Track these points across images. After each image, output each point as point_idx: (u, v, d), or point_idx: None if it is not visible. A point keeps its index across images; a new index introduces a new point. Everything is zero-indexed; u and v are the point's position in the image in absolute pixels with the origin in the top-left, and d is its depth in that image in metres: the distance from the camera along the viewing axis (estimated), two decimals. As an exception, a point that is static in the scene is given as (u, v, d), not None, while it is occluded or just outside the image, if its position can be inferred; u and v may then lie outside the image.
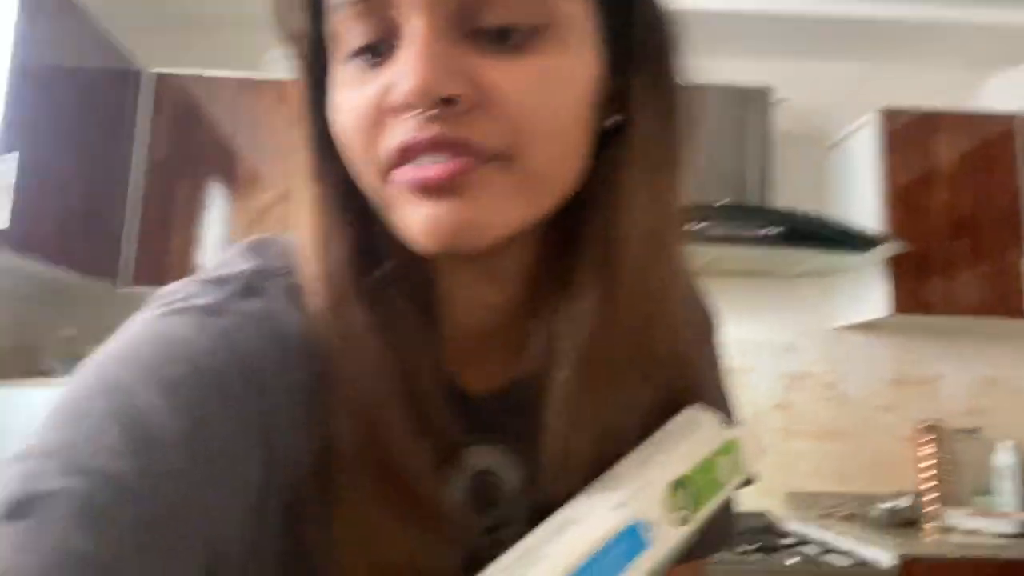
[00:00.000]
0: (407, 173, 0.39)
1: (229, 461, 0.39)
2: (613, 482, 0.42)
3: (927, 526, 2.20)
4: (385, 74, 0.39)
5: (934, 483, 2.28)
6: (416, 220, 0.40)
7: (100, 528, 0.34)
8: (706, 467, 0.45)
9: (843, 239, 2.25)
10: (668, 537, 0.40)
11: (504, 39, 0.39)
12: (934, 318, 2.45)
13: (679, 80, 0.46)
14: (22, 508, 0.34)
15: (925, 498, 2.27)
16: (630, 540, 0.38)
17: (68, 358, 2.21)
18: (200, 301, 0.45)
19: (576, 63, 0.41)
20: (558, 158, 0.41)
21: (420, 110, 0.38)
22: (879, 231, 2.42)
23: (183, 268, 2.29)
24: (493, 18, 0.38)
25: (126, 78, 2.30)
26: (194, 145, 2.36)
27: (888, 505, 2.33)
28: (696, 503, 0.43)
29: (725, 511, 0.54)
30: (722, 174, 2.43)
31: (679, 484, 0.42)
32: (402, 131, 0.39)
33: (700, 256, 2.41)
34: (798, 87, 2.85)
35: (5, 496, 0.35)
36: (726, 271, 2.69)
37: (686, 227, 0.48)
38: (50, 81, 1.89)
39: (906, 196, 2.47)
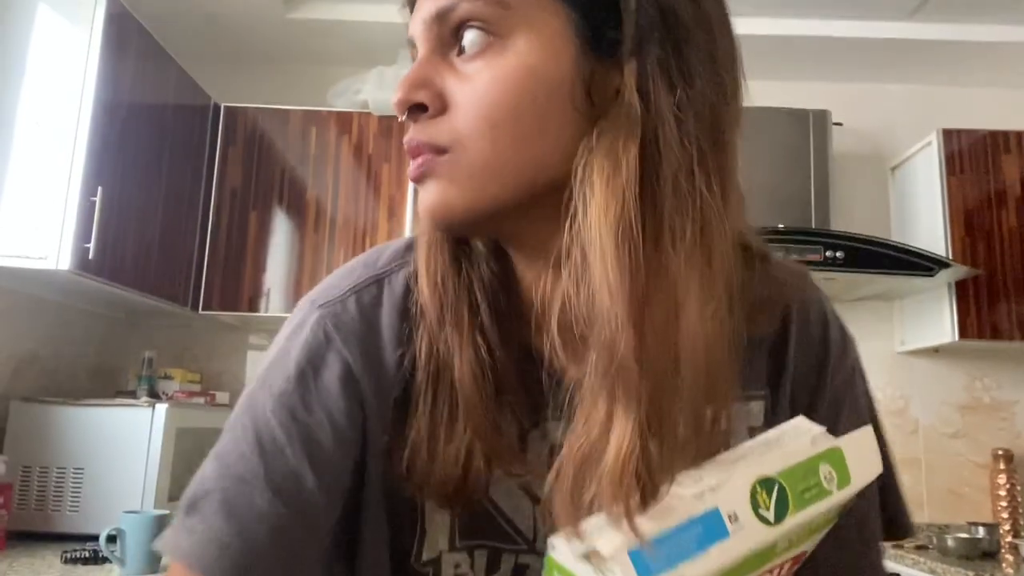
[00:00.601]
0: (410, 157, 0.49)
1: (333, 455, 0.50)
2: (701, 471, 0.43)
3: (1006, 557, 2.11)
4: None
5: (1010, 512, 2.20)
6: (419, 201, 0.50)
7: (236, 520, 0.46)
8: (800, 471, 0.44)
9: (906, 262, 2.21)
10: (750, 532, 0.41)
11: (466, 51, 0.47)
12: (1005, 343, 2.38)
13: (688, 65, 0.47)
14: (193, 505, 0.48)
15: (1003, 528, 2.18)
16: (711, 524, 0.40)
17: (147, 378, 2.32)
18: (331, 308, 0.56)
19: (527, 64, 0.46)
20: (499, 149, 0.46)
21: (405, 116, 0.48)
22: (943, 254, 2.37)
23: (254, 293, 2.39)
24: (464, 18, 0.46)
25: (200, 112, 2.42)
26: (264, 176, 2.47)
27: (964, 535, 2.25)
28: (788, 505, 0.42)
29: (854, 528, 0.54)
30: (783, 198, 2.42)
31: (765, 483, 0.42)
32: (406, 138, 0.49)
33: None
34: (858, 109, 2.82)
35: (187, 494, 0.49)
36: (786, 295, 2.66)
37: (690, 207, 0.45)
38: (130, 116, 2.01)
39: (971, 218, 2.41)
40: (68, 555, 1.62)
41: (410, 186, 2.45)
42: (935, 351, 2.63)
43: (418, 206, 0.49)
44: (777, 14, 2.54)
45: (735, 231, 0.48)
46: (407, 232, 2.41)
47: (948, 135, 2.47)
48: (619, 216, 0.43)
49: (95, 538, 1.58)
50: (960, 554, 2.18)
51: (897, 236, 2.66)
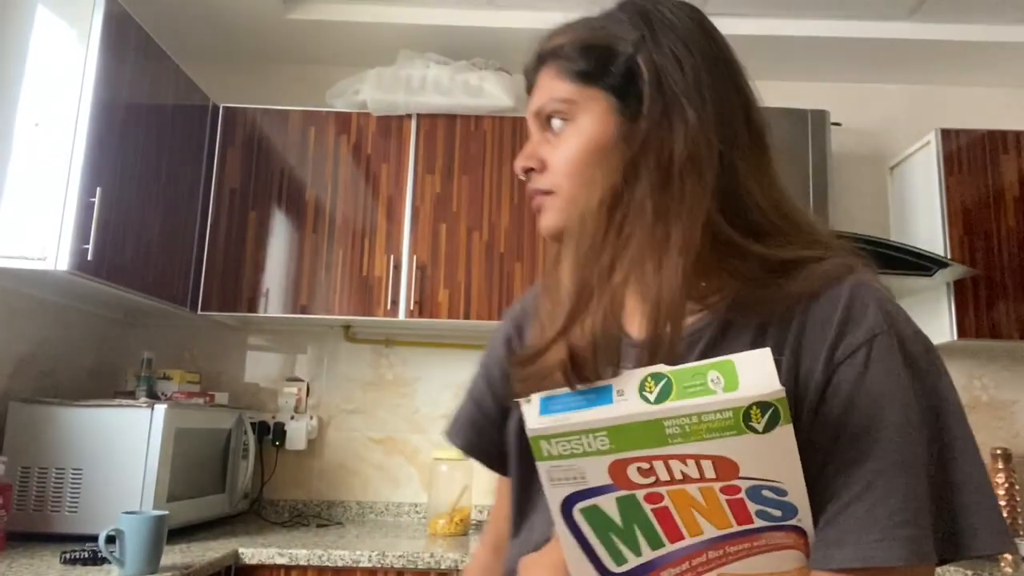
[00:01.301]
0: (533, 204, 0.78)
1: (495, 374, 0.87)
2: (632, 372, 0.60)
3: (1005, 556, 2.11)
4: None
5: (1009, 511, 2.20)
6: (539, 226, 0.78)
7: (456, 412, 0.91)
8: (689, 372, 0.56)
9: (905, 262, 2.21)
10: (630, 405, 0.57)
11: (552, 135, 0.76)
12: (1003, 342, 2.38)
13: (676, 124, 0.67)
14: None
15: (999, 528, 2.19)
16: (603, 394, 0.59)
17: (146, 379, 2.32)
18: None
19: (587, 135, 0.72)
20: (575, 191, 0.72)
21: (523, 176, 0.78)
22: (942, 254, 2.37)
23: (253, 294, 2.39)
24: (550, 112, 0.75)
25: (199, 112, 2.42)
26: (263, 176, 2.47)
27: (960, 535, 2.25)
28: (671, 394, 0.56)
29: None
30: (779, 197, 2.42)
31: (656, 376, 0.57)
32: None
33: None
34: (857, 109, 2.83)
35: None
36: (785, 294, 2.66)
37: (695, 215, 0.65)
38: (129, 117, 2.01)
39: (969, 218, 2.42)
40: (67, 556, 1.62)
41: (408, 186, 2.45)
42: (934, 351, 2.63)
43: (539, 227, 0.78)
44: (776, 14, 2.54)
45: (712, 226, 0.66)
46: (406, 232, 2.42)
47: (947, 135, 2.47)
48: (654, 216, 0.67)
49: (94, 538, 1.58)
50: (959, 553, 2.19)
51: (896, 236, 2.67)
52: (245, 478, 2.37)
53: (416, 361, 2.72)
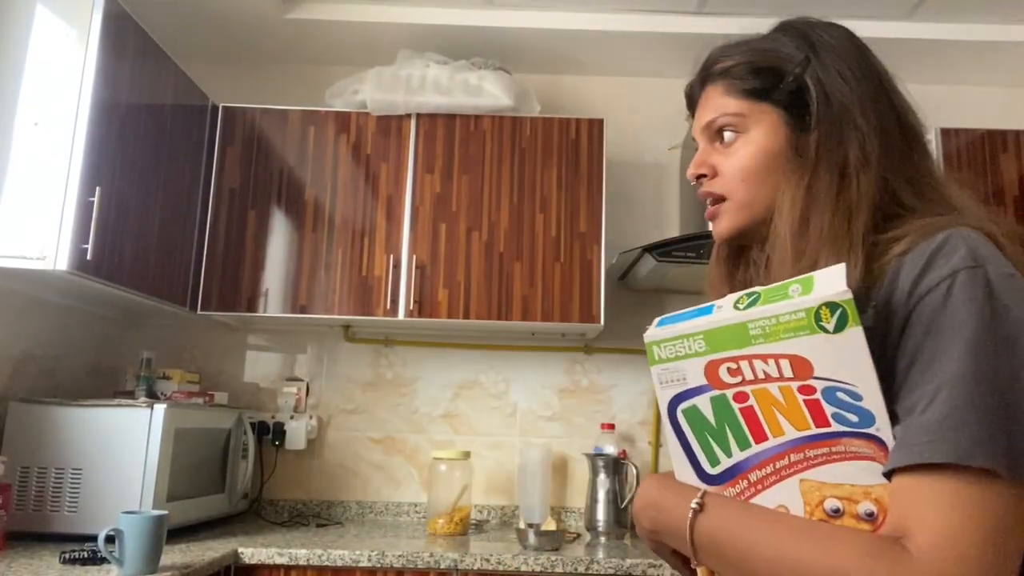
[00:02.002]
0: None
1: None
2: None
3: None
4: None
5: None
6: (714, 231, 0.88)
7: None
8: (776, 289, 0.67)
9: (906, 260, 2.21)
10: (725, 314, 0.69)
11: (723, 147, 0.85)
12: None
13: (854, 111, 0.79)
14: None
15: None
16: (706, 309, 0.71)
17: (146, 378, 2.32)
18: None
19: (758, 141, 0.82)
20: (750, 195, 0.83)
21: (694, 182, 0.88)
22: (943, 252, 2.37)
23: (252, 293, 2.39)
24: (721, 125, 0.85)
25: (199, 112, 2.42)
26: (262, 175, 2.47)
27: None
28: (757, 303, 0.67)
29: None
30: (779, 196, 2.42)
31: (750, 294, 0.69)
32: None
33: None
34: (856, 108, 2.83)
35: None
36: (784, 294, 2.66)
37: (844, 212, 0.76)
38: (128, 116, 2.01)
39: (971, 216, 2.41)
40: (67, 555, 1.62)
41: (408, 185, 2.45)
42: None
43: (713, 230, 0.87)
44: (776, 14, 2.53)
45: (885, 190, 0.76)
46: (406, 231, 2.42)
47: (946, 134, 2.47)
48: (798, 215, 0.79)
49: (93, 538, 1.58)
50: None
51: (895, 235, 2.67)
52: (245, 478, 2.37)
53: (416, 361, 2.72)
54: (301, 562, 1.92)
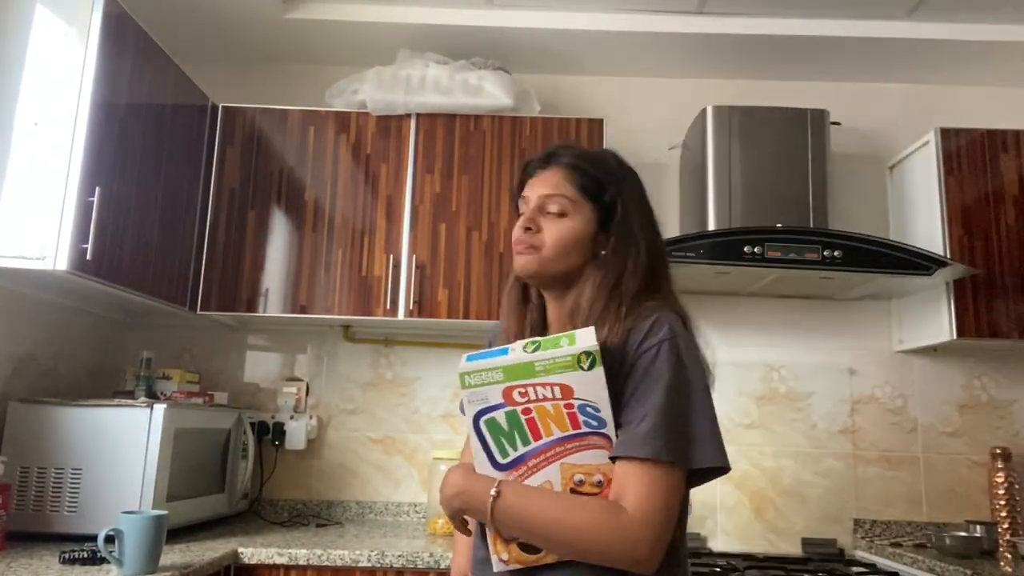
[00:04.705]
0: (516, 248, 1.18)
1: None
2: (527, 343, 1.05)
3: (1005, 556, 2.11)
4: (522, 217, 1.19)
5: (1008, 511, 2.20)
6: (515, 264, 1.19)
7: None
8: (552, 340, 1.03)
9: (904, 262, 2.21)
10: (517, 355, 1.02)
11: (551, 214, 1.16)
12: (1003, 342, 2.38)
13: (637, 235, 1.15)
14: None
15: (1001, 527, 2.18)
16: (503, 351, 1.04)
17: (145, 378, 2.31)
18: None
19: (576, 226, 1.15)
20: (555, 258, 1.15)
21: (520, 228, 1.18)
22: (941, 253, 2.37)
23: (252, 293, 2.39)
24: (549, 208, 1.16)
25: (198, 112, 2.42)
26: (262, 176, 2.47)
27: (962, 534, 2.25)
28: (539, 349, 1.01)
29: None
30: (781, 197, 2.42)
31: (533, 342, 1.03)
32: (517, 235, 1.18)
33: (759, 279, 2.40)
34: (857, 109, 2.83)
35: None
36: (784, 294, 2.66)
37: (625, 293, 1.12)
38: (128, 116, 2.00)
39: (969, 217, 2.42)
40: (66, 555, 1.62)
41: (408, 185, 2.45)
42: (933, 350, 2.63)
43: (516, 265, 1.18)
44: (776, 14, 2.54)
45: (636, 286, 1.13)
46: (405, 231, 2.42)
47: (946, 134, 2.47)
48: (601, 288, 1.14)
49: (93, 538, 1.58)
50: (958, 552, 2.19)
51: (895, 235, 2.67)
52: (244, 478, 2.37)
53: (415, 361, 2.72)
54: (301, 562, 1.91)
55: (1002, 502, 2.22)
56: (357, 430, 2.67)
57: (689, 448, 1.00)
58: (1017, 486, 2.25)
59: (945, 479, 2.60)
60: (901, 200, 2.70)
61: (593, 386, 0.99)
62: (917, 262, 2.21)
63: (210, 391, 2.47)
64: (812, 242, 2.20)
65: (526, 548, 1.04)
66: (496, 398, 1.02)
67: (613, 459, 1.01)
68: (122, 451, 1.88)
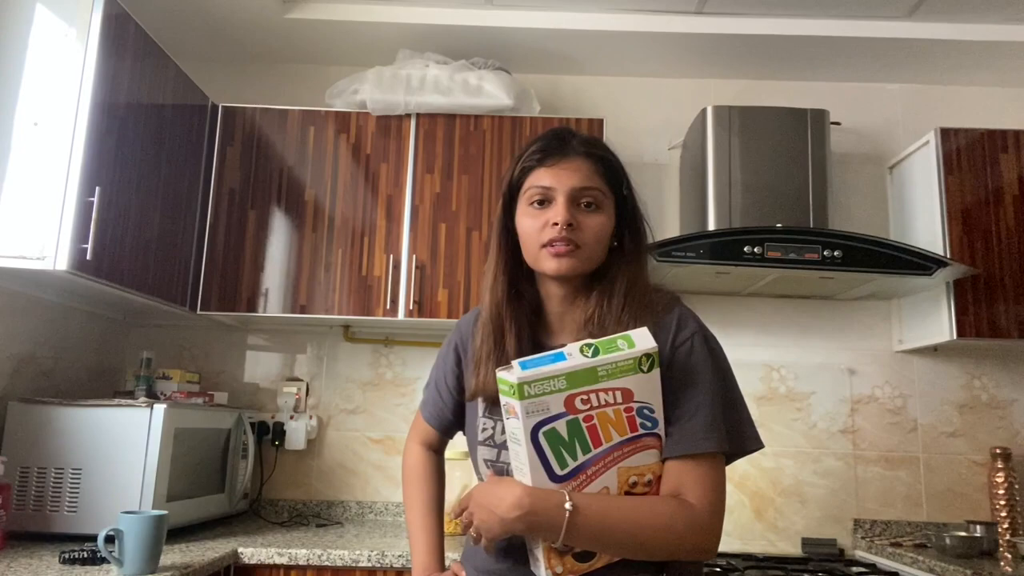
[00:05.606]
0: (552, 248, 1.10)
1: (450, 377, 1.34)
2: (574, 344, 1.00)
3: (1005, 555, 2.11)
4: (546, 214, 1.12)
5: (1008, 511, 2.20)
6: (552, 265, 1.11)
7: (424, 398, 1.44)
8: (608, 341, 0.99)
9: (904, 261, 2.21)
10: (576, 360, 0.97)
11: (585, 207, 1.11)
12: (1003, 342, 2.38)
13: (642, 226, 1.16)
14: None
15: (1001, 527, 2.18)
16: (559, 355, 0.98)
17: (145, 378, 2.32)
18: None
19: (607, 220, 1.12)
20: (595, 251, 1.12)
21: (561, 226, 1.09)
22: (941, 253, 2.37)
23: (252, 293, 2.39)
24: (583, 200, 1.11)
25: (198, 112, 2.42)
26: (262, 175, 2.47)
27: (962, 534, 2.25)
28: (599, 353, 0.97)
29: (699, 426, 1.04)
30: (781, 197, 2.42)
31: (589, 345, 0.98)
32: (550, 234, 1.11)
33: (759, 278, 2.40)
34: (857, 109, 2.83)
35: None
36: (785, 294, 2.66)
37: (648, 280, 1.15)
38: (128, 117, 2.00)
39: (969, 217, 2.42)
40: (66, 555, 1.62)
41: (408, 185, 2.45)
42: (933, 350, 2.63)
43: (553, 266, 1.11)
44: (776, 14, 2.54)
45: (648, 280, 1.14)
46: (405, 231, 2.42)
47: (946, 134, 2.47)
48: (626, 281, 1.14)
49: (93, 538, 1.58)
50: (959, 552, 2.19)
51: (895, 235, 2.67)
52: (244, 478, 2.37)
53: (415, 361, 2.72)
54: (301, 562, 1.91)
55: (1002, 502, 2.22)
56: (357, 430, 2.67)
57: (740, 437, 1.05)
58: (1017, 486, 2.25)
59: (945, 479, 2.60)
60: (901, 200, 2.70)
61: (651, 387, 0.99)
62: (917, 262, 2.21)
63: (210, 391, 2.47)
64: (812, 242, 2.20)
65: (579, 556, 1.01)
66: (558, 407, 0.96)
67: (665, 458, 1.02)
68: (122, 451, 1.88)
